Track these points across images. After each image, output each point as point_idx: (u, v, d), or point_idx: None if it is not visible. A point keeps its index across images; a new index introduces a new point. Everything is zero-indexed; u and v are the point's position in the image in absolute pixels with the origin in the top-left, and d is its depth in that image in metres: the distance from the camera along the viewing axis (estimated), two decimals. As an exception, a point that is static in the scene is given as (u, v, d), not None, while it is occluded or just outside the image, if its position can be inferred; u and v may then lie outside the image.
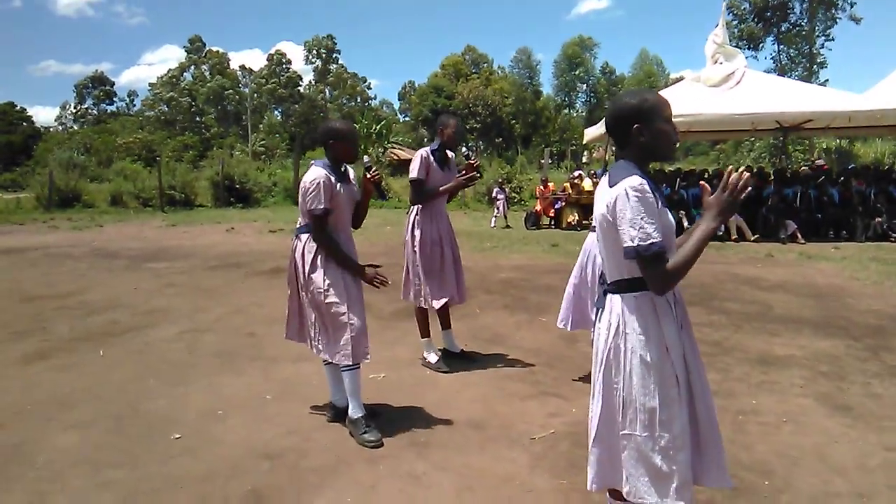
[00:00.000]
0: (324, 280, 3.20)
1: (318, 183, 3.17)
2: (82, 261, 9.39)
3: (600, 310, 2.05)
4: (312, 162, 3.35)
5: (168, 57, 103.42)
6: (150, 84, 63.90)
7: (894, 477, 2.83)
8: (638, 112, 1.90)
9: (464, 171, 4.34)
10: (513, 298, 6.63)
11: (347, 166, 3.43)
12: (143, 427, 3.41)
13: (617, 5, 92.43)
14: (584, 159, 36.42)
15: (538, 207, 15.00)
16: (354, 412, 3.29)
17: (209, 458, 3.04)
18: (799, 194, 12.02)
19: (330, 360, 3.31)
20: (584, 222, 13.99)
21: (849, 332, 5.29)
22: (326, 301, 3.19)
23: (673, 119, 1.95)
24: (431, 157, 4.29)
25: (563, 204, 14.54)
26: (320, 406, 3.64)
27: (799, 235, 11.28)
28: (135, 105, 68.81)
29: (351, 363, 3.23)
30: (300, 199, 3.25)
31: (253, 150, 48.83)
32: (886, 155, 25.75)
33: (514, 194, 19.38)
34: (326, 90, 64.59)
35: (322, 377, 3.64)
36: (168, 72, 64.20)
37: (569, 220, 14.22)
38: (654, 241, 1.76)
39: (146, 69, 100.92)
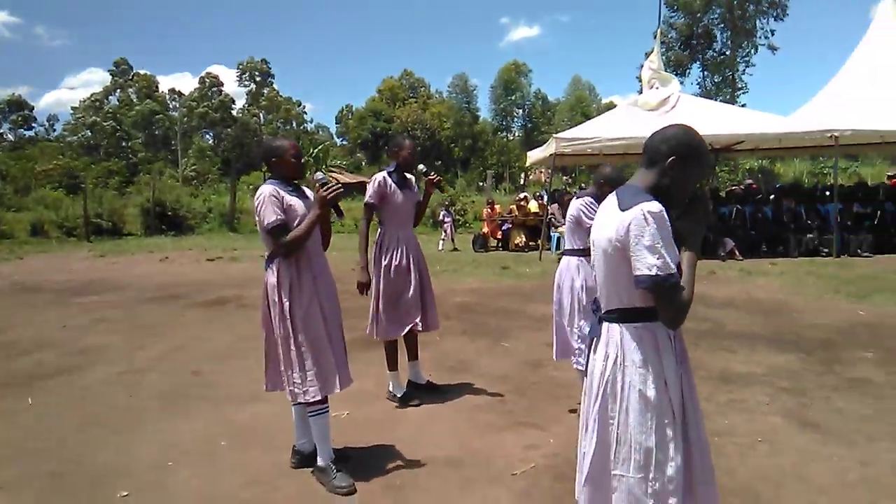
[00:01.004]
0: (298, 308, 2.94)
1: (263, 198, 2.93)
2: (2, 296, 8.67)
3: (595, 339, 1.93)
4: (261, 185, 3.09)
5: (92, 80, 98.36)
6: (73, 108, 61.06)
7: (875, 492, 2.85)
8: (687, 148, 1.80)
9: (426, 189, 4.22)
10: (471, 323, 6.50)
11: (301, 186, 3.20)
12: (85, 484, 3.06)
13: (547, 33, 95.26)
14: (522, 181, 37.04)
15: (485, 229, 15.03)
16: (323, 459, 3.04)
17: (163, 518, 2.74)
18: (734, 212, 12.50)
19: (301, 401, 2.99)
20: (530, 243, 14.10)
21: (800, 346, 5.42)
22: (304, 329, 2.93)
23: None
24: (389, 180, 4.14)
25: (511, 226, 14.63)
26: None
27: (737, 252, 11.68)
28: (55, 130, 65.40)
29: (339, 389, 3.00)
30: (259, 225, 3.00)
31: (183, 175, 47.16)
32: (805, 174, 27.37)
33: (458, 217, 19.40)
34: (260, 114, 63.39)
35: (279, 418, 3.38)
36: (91, 95, 61.51)
37: (516, 242, 14.30)
38: (673, 271, 1.68)
39: (68, 93, 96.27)
